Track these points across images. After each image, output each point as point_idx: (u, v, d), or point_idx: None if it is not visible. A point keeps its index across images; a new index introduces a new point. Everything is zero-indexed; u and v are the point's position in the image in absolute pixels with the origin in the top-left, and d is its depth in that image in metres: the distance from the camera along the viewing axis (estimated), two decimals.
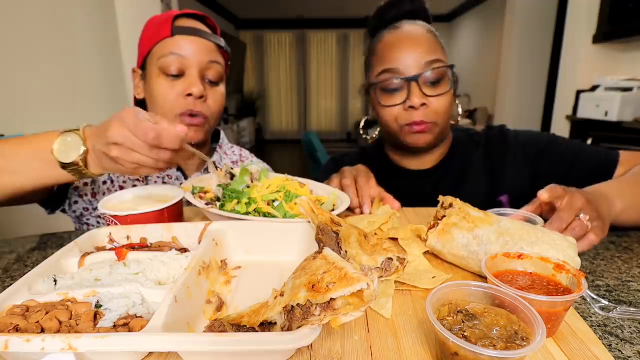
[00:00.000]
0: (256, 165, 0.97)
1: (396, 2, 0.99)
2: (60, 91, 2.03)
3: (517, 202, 1.00)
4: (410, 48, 0.92)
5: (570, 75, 3.20)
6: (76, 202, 0.99)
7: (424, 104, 0.92)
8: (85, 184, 0.98)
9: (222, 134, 1.20)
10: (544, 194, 0.66)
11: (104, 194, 0.99)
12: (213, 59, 0.97)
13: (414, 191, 1.00)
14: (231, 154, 1.20)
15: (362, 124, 1.14)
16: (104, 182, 1.00)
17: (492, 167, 1.04)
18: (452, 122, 1.04)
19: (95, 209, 0.99)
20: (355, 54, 9.17)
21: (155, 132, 0.60)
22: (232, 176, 0.84)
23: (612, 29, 2.81)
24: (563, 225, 0.63)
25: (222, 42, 1.01)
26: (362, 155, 1.18)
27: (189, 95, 0.94)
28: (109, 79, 2.38)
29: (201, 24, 0.99)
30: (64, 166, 0.68)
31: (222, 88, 1.03)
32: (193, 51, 0.94)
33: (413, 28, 0.95)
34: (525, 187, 1.00)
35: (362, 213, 0.84)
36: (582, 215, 0.64)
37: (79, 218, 1.01)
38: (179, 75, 0.94)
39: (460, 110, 1.06)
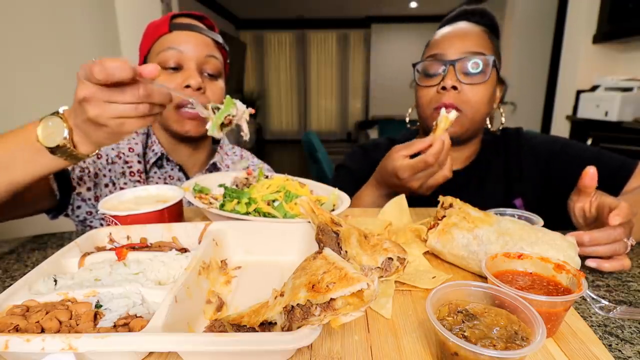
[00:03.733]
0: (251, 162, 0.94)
1: (463, 13, 1.03)
2: (60, 91, 2.02)
3: (531, 206, 0.99)
4: (456, 38, 0.96)
5: (570, 75, 3.20)
6: (79, 207, 0.98)
7: (455, 87, 0.93)
8: (89, 189, 0.97)
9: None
10: (616, 219, 0.61)
11: (105, 196, 0.99)
12: (210, 53, 0.99)
13: (438, 189, 0.99)
14: (232, 154, 1.20)
15: (409, 111, 1.12)
16: (106, 185, 1.00)
17: (509, 171, 1.04)
18: (491, 129, 1.05)
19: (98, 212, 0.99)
20: (355, 54, 9.16)
21: (99, 64, 0.53)
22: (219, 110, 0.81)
23: (612, 29, 2.81)
24: (611, 238, 0.60)
25: (219, 38, 1.02)
26: (391, 146, 1.17)
27: (187, 87, 0.95)
28: None
29: (199, 22, 1.01)
30: (53, 151, 0.64)
31: (221, 82, 1.04)
32: (190, 46, 0.95)
33: (466, 25, 0.99)
34: (538, 190, 1.00)
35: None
36: (628, 239, 0.61)
37: (82, 222, 1.01)
38: (177, 68, 0.96)
39: (503, 119, 1.07)
